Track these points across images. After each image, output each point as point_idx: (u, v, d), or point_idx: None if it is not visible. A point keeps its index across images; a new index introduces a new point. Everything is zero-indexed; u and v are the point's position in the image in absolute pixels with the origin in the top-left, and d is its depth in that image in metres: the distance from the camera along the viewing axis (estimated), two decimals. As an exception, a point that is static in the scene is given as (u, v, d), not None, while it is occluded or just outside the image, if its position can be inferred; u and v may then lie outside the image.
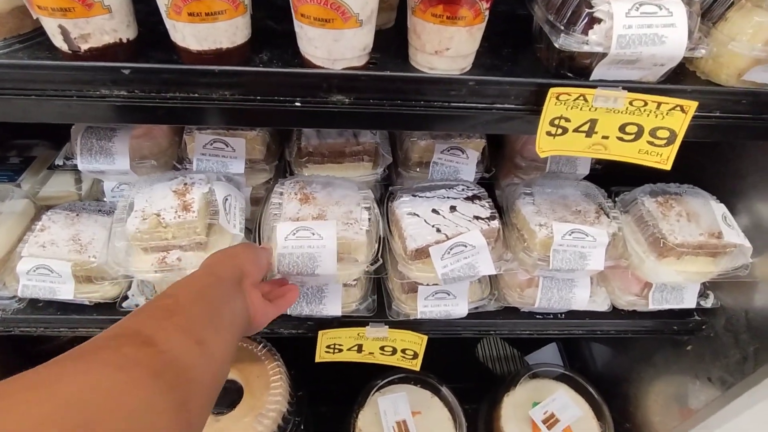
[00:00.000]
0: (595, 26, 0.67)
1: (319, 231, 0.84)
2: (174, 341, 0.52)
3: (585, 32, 0.66)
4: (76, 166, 0.96)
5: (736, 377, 1.00)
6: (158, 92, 0.67)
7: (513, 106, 0.71)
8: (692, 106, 0.70)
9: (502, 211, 1.02)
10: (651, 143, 0.74)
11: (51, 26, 0.62)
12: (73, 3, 0.59)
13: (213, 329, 0.58)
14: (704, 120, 0.75)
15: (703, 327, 1.08)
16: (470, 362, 1.70)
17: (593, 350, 1.62)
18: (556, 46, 0.66)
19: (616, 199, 1.06)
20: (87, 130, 0.95)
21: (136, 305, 0.98)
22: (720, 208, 0.98)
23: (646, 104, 0.70)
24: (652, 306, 1.01)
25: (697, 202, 1.00)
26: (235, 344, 0.63)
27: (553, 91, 0.67)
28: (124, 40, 0.66)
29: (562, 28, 0.67)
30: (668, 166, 0.75)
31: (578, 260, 0.90)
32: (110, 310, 0.98)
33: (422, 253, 0.88)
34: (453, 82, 0.68)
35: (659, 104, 0.70)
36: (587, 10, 0.66)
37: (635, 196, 1.02)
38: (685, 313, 1.07)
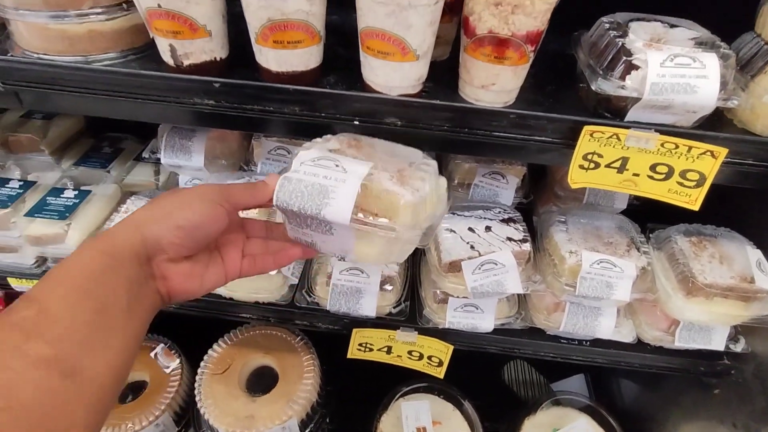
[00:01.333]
0: (633, 72, 0.72)
1: (345, 165, 0.63)
2: (28, 383, 0.39)
3: (623, 77, 0.73)
4: (158, 159, 1.11)
5: (761, 425, 0.99)
6: (240, 104, 0.79)
7: (550, 139, 0.78)
8: (722, 152, 0.74)
9: (536, 236, 1.08)
10: (680, 184, 0.78)
11: (162, 45, 0.75)
12: (183, 27, 0.71)
13: (95, 344, 0.45)
14: (737, 166, 0.79)
15: (732, 371, 1.08)
16: (495, 382, 1.73)
17: (621, 385, 1.61)
18: (593, 89, 0.72)
19: (651, 235, 1.09)
20: (172, 129, 1.10)
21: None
22: (756, 254, 0.99)
23: (677, 147, 0.75)
24: (678, 343, 1.03)
25: (732, 245, 1.02)
26: (137, 338, 0.51)
27: (587, 128, 0.73)
28: (218, 59, 0.78)
29: (601, 72, 0.74)
30: (696, 207, 0.79)
31: (604, 289, 0.94)
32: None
33: (455, 267, 0.95)
34: (496, 114, 0.75)
35: (690, 148, 0.75)
36: (625, 58, 0.72)
37: (669, 234, 1.04)
38: (713, 354, 1.07)
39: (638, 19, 0.80)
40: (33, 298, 0.46)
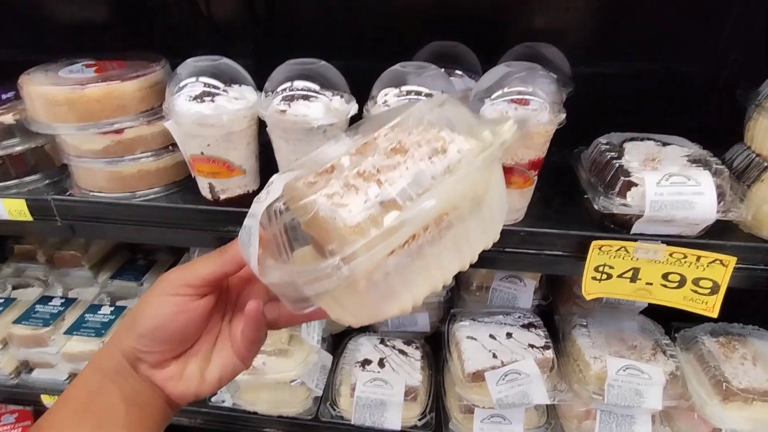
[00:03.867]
0: (633, 189, 0.78)
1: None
2: None
3: (623, 194, 0.78)
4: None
5: None
6: (269, 230, 0.86)
7: (560, 252, 0.82)
8: (731, 260, 0.76)
9: (558, 338, 1.07)
10: (695, 291, 0.80)
11: (203, 183, 0.84)
12: (221, 168, 0.81)
13: None
14: (750, 272, 0.80)
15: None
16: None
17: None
18: (596, 207, 0.77)
19: (676, 335, 1.07)
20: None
21: (223, 401, 1.11)
22: (789, 354, 0.97)
23: (685, 257, 0.77)
24: (724, 453, 0.97)
25: (764, 344, 1.00)
26: None
27: (595, 243, 0.77)
28: (251, 191, 0.87)
29: (602, 190, 0.79)
30: (715, 314, 0.79)
31: (634, 397, 0.92)
32: (198, 404, 1.12)
33: (479, 377, 0.95)
34: (506, 233, 0.80)
35: (699, 257, 0.77)
36: (623, 178, 0.77)
37: (695, 335, 1.03)
38: (764, 465, 1.00)
39: (632, 139, 0.87)
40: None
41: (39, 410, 1.16)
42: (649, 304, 1.16)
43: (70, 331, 1.11)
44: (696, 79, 1.05)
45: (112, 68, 0.87)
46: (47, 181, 0.96)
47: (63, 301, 1.19)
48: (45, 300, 1.19)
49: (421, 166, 0.41)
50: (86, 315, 1.15)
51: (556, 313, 1.28)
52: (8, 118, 0.90)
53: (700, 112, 1.00)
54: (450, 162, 0.42)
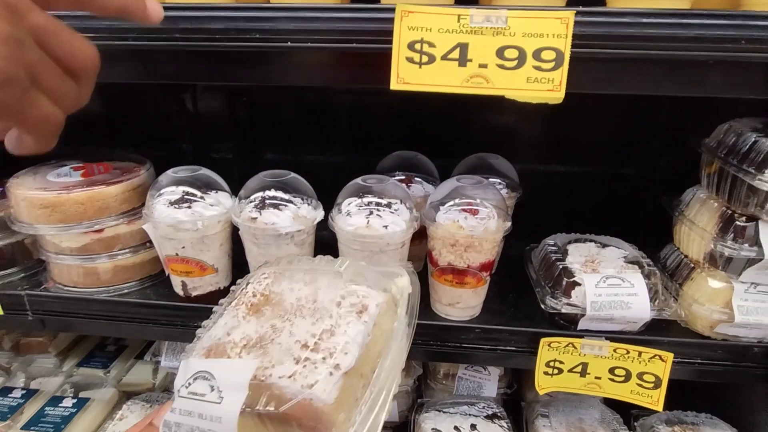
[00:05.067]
0: (577, 288, 0.85)
1: (221, 387, 0.47)
2: None
3: (567, 294, 0.85)
4: (159, 361, 1.18)
5: None
6: (238, 325, 0.89)
7: (514, 348, 0.87)
8: (669, 357, 0.82)
9: (522, 427, 1.09)
10: (640, 385, 0.85)
11: (176, 281, 0.89)
12: (194, 268, 0.86)
13: None
14: (688, 366, 0.86)
15: None
16: None
17: None
18: (543, 307, 0.84)
19: (635, 423, 1.10)
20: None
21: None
22: (740, 443, 1.00)
23: (628, 352, 0.83)
24: None
25: (716, 433, 1.03)
26: None
27: (544, 340, 0.83)
28: (222, 287, 0.91)
29: (548, 290, 0.86)
30: (659, 408, 0.84)
31: (595, 492, 0.93)
32: None
33: (443, 472, 0.95)
34: (462, 330, 0.86)
35: (640, 353, 0.83)
36: (566, 279, 0.85)
37: (652, 423, 1.07)
38: None
39: (576, 241, 0.95)
40: None
41: None
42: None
43: (27, 426, 1.08)
44: (632, 182, 1.18)
45: (99, 172, 0.94)
46: (23, 275, 0.99)
47: (24, 392, 1.17)
48: (5, 391, 1.16)
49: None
50: (46, 408, 1.12)
51: (522, 399, 1.30)
52: (-9, 215, 0.95)
53: (638, 212, 1.11)
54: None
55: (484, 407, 1.08)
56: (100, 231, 0.90)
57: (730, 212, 0.81)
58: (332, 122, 1.25)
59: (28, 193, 0.86)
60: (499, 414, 1.07)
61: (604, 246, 0.93)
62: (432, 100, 0.71)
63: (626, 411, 1.13)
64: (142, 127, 1.31)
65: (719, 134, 0.86)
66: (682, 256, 0.92)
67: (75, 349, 1.41)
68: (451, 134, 1.17)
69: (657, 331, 0.87)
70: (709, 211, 0.86)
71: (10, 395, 1.15)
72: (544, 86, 0.63)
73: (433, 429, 1.02)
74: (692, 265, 0.89)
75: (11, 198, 0.89)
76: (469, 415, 1.06)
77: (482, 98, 0.64)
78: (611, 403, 1.16)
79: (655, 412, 1.10)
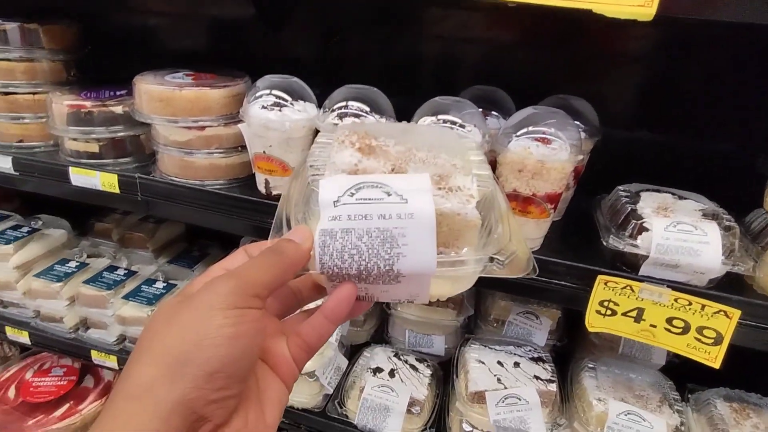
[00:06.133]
0: (643, 233, 0.83)
1: (396, 187, 0.44)
2: None
3: (633, 236, 0.83)
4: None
5: None
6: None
7: (570, 284, 0.87)
8: (736, 313, 0.79)
9: (567, 381, 1.09)
10: (698, 340, 0.82)
11: (260, 179, 0.98)
12: (277, 167, 0.95)
13: None
14: (755, 329, 0.82)
15: None
16: None
17: None
18: (605, 244, 0.83)
19: (690, 396, 1.06)
20: (251, 242, 1.31)
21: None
22: (807, 432, 0.94)
23: (690, 304, 0.81)
24: None
25: (781, 419, 0.97)
26: None
27: (601, 278, 0.83)
28: (299, 192, 1.00)
29: (614, 231, 0.85)
30: (716, 365, 0.81)
31: (633, 443, 0.92)
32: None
33: (480, 397, 0.99)
34: (518, 257, 0.87)
35: (704, 306, 0.80)
36: (634, 221, 0.83)
37: (708, 397, 1.02)
38: None
39: (650, 190, 0.92)
40: None
41: (87, 365, 1.30)
42: (666, 365, 1.17)
43: (127, 297, 1.26)
44: (724, 147, 1.10)
45: (206, 78, 1.05)
46: (136, 164, 1.14)
47: (126, 272, 1.36)
48: (112, 269, 1.36)
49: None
50: (143, 286, 1.31)
51: (571, 359, 1.30)
52: (118, 109, 1.10)
53: (726, 177, 1.04)
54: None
55: (530, 350, 1.10)
56: (202, 129, 1.01)
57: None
58: (414, 64, 1.29)
59: (150, 87, 0.99)
60: (544, 358, 1.08)
61: (681, 198, 0.90)
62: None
63: (682, 384, 1.09)
64: (243, 62, 1.44)
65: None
66: (770, 219, 0.86)
67: (166, 250, 1.60)
68: (531, 77, 1.16)
69: (725, 290, 0.83)
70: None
71: (115, 272, 1.35)
72: (635, 1, 0.62)
73: (476, 360, 1.06)
74: (780, 230, 0.84)
75: (135, 90, 1.03)
76: (515, 354, 1.08)
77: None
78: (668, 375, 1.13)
79: (713, 387, 1.06)
